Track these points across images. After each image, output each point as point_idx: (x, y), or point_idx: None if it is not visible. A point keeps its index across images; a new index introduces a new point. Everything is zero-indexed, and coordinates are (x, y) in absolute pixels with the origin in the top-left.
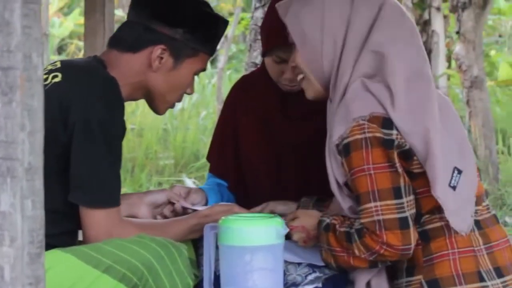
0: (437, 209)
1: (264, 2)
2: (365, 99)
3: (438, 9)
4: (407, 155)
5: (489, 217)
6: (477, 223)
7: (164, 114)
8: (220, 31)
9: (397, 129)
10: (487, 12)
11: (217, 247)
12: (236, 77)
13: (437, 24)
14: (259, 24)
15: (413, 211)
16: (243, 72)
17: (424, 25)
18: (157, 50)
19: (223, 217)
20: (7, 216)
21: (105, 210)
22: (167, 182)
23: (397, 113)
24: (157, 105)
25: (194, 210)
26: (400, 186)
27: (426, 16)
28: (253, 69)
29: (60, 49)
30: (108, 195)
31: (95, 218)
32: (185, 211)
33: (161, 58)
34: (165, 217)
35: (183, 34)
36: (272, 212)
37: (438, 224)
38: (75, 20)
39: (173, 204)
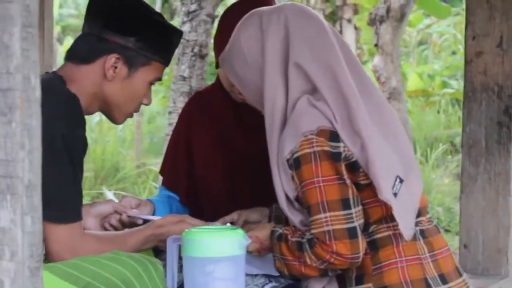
0: (385, 219)
1: (192, 17)
2: (312, 114)
3: (349, 21)
4: (354, 167)
5: (432, 227)
6: (422, 232)
7: (123, 123)
8: (174, 40)
9: (343, 142)
10: (404, 24)
11: (180, 258)
12: (160, 89)
13: (348, 35)
14: (187, 38)
15: (362, 221)
16: (170, 85)
17: None
18: (111, 59)
19: (186, 229)
20: (7, 232)
21: (68, 225)
22: (88, 195)
23: (339, 125)
24: (114, 116)
25: (145, 221)
26: (348, 197)
27: (337, 27)
28: (181, 82)
29: None
30: (71, 210)
31: (58, 233)
32: (132, 221)
33: (115, 67)
34: (113, 227)
35: (135, 42)
36: (246, 221)
37: (386, 233)
38: None
39: (120, 214)
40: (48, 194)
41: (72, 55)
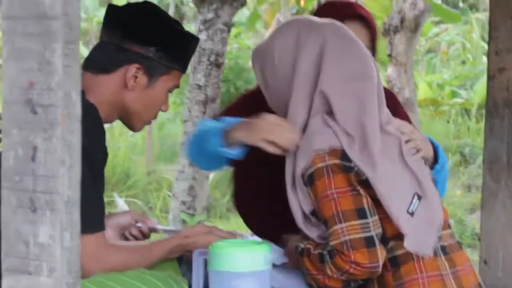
0: (401, 234)
1: (208, 25)
2: (325, 134)
3: None
4: (367, 183)
5: (454, 243)
6: (443, 248)
7: (140, 130)
8: (191, 48)
9: (354, 163)
10: (418, 35)
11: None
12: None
13: None
14: (203, 46)
15: (379, 230)
16: (186, 94)
17: None
18: (132, 68)
19: (213, 241)
20: (46, 247)
21: (92, 235)
22: None
23: (351, 148)
24: (133, 124)
25: (165, 231)
26: (363, 207)
27: None
28: (197, 90)
29: None
30: (95, 220)
31: (83, 244)
32: (152, 231)
33: (136, 77)
34: (134, 236)
35: (156, 52)
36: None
37: (406, 250)
38: None
39: (140, 224)
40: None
41: (91, 65)
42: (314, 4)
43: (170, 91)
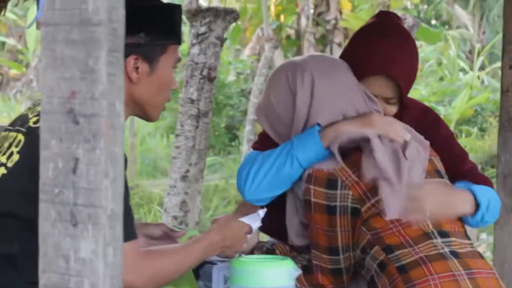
0: (408, 243)
1: (201, 39)
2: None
3: (340, 45)
4: (355, 212)
5: (471, 251)
6: (453, 253)
7: (158, 119)
8: (177, 17)
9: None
10: None
11: None
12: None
13: None
14: (196, 60)
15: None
16: (179, 108)
17: None
18: (130, 61)
19: (234, 258)
20: (87, 263)
21: (128, 243)
22: None
23: None
24: (150, 114)
25: None
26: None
27: (327, 51)
28: (189, 104)
29: None
30: (129, 228)
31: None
32: None
33: (137, 67)
34: None
35: (146, 36)
36: None
37: (413, 258)
38: None
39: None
40: None
41: None
42: (293, 19)
43: (174, 67)
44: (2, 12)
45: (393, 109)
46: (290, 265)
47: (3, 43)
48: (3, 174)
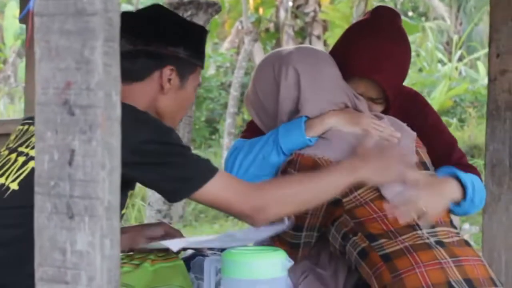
0: (392, 233)
1: None
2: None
3: (319, 37)
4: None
5: (456, 240)
6: (438, 242)
7: None
8: (205, 41)
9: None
10: None
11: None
12: None
13: None
14: None
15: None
16: None
17: None
18: (166, 71)
19: (226, 251)
20: (84, 256)
21: (217, 175)
22: None
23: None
24: None
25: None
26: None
27: (307, 43)
28: None
29: None
30: (207, 165)
31: (214, 191)
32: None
33: (170, 79)
34: None
35: (184, 51)
36: None
37: (397, 247)
38: None
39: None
40: (182, 173)
41: (122, 77)
42: (272, 12)
43: (195, 90)
44: None
45: (379, 108)
46: (283, 256)
47: None
48: (32, 168)
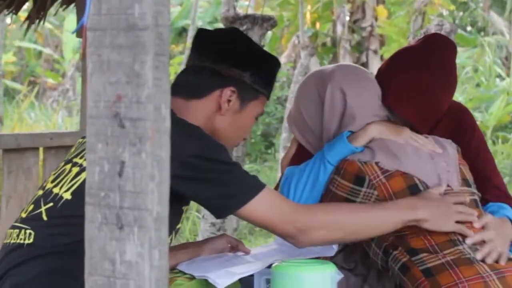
0: (433, 248)
1: None
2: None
3: (376, 52)
4: None
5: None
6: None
7: None
8: (276, 73)
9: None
10: None
11: None
12: None
13: (374, 66)
14: None
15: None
16: None
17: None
18: (227, 92)
19: (275, 264)
20: (133, 266)
21: (261, 192)
22: None
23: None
24: None
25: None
26: None
27: (363, 58)
28: None
29: None
30: (253, 182)
31: (257, 208)
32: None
33: (229, 100)
34: None
35: (250, 76)
36: None
37: (439, 261)
38: None
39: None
40: (227, 190)
41: (182, 90)
42: (329, 27)
43: (256, 118)
44: (41, 22)
45: (418, 133)
46: (332, 269)
47: (40, 53)
48: (85, 178)
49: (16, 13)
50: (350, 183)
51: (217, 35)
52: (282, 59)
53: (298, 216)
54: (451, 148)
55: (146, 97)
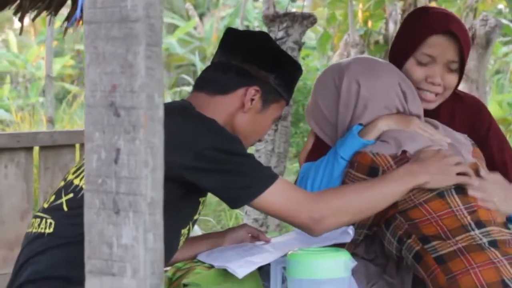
0: (445, 235)
1: (279, 44)
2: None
3: None
4: None
5: (511, 239)
6: (492, 242)
7: None
8: (298, 78)
9: None
10: (490, 52)
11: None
12: None
13: None
14: None
15: None
16: None
17: None
18: (251, 91)
19: (290, 252)
20: (129, 249)
21: (275, 184)
22: None
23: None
24: None
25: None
26: None
27: None
28: None
29: None
30: (267, 173)
31: (271, 200)
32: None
33: (253, 99)
34: None
35: (275, 79)
36: None
37: (451, 249)
38: None
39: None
40: (241, 180)
41: (207, 85)
42: (381, 25)
43: (274, 121)
44: (80, 23)
45: (453, 78)
46: (346, 257)
47: None
48: None
49: (55, 15)
50: (364, 175)
51: (246, 35)
52: (335, 58)
53: (312, 206)
54: (465, 140)
55: (139, 86)
